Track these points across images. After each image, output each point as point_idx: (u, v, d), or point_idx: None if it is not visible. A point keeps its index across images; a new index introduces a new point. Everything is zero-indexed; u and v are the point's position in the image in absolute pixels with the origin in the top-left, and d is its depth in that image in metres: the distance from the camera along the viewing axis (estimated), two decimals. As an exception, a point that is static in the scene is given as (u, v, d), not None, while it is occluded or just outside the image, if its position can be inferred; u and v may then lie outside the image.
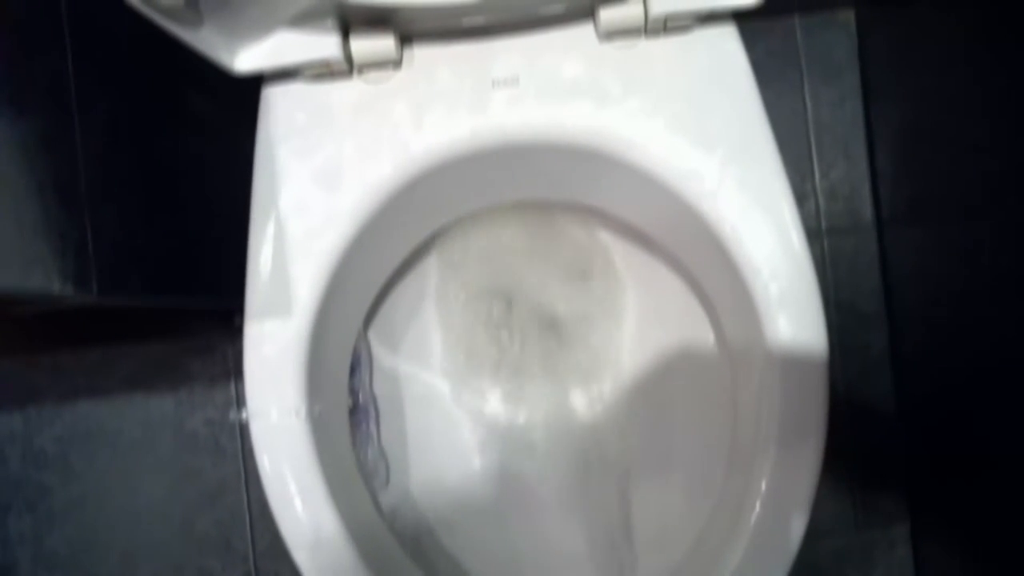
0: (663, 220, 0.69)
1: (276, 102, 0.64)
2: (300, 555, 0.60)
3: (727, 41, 0.64)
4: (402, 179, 0.63)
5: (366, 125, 0.63)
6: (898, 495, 1.07)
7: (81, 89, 0.59)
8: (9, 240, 0.50)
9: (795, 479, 0.59)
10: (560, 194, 0.74)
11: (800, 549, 0.59)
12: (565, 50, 0.63)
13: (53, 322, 0.79)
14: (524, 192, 0.75)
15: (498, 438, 0.82)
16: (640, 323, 0.81)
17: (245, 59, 0.61)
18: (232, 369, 1.07)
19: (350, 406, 0.73)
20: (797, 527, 0.59)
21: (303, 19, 0.59)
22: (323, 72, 0.63)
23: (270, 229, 0.63)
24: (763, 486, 0.59)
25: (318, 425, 0.62)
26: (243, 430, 1.06)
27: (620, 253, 0.81)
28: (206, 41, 0.57)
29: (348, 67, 0.63)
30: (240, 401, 1.05)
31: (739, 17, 0.64)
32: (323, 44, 0.60)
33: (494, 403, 0.82)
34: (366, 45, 0.61)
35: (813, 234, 1.07)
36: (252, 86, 0.65)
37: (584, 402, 0.82)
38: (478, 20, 0.62)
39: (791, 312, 0.60)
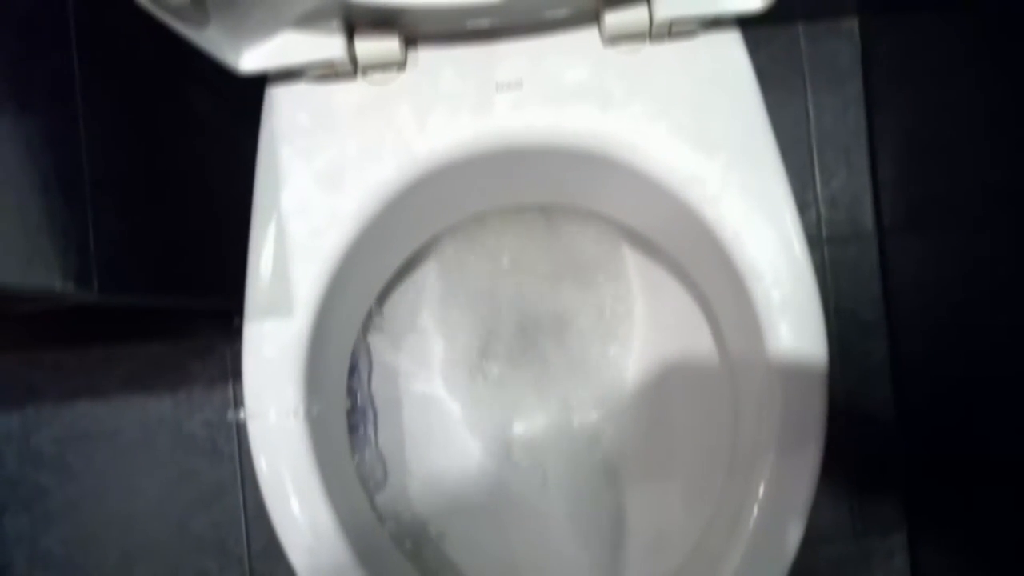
0: (665, 225, 0.69)
1: (280, 102, 0.64)
2: (296, 556, 0.60)
3: (731, 47, 0.64)
4: (405, 181, 0.63)
5: (369, 126, 0.63)
6: (896, 503, 1.07)
7: (86, 87, 0.59)
8: (11, 236, 0.50)
9: (793, 485, 0.59)
10: (562, 198, 0.74)
11: (798, 556, 0.59)
12: (569, 54, 0.63)
13: (53, 321, 0.79)
14: (526, 195, 0.75)
15: (496, 441, 0.82)
16: (641, 328, 0.81)
17: (250, 59, 0.61)
18: (231, 371, 1.07)
19: (348, 408, 0.72)
20: (795, 533, 0.58)
21: (308, 20, 0.59)
22: (327, 73, 0.63)
23: (271, 229, 0.63)
24: (761, 492, 0.59)
25: (316, 426, 0.62)
26: (240, 432, 1.06)
27: (622, 257, 0.81)
28: (211, 40, 0.57)
29: (352, 68, 0.63)
30: (238, 402, 1.05)
31: (743, 23, 0.64)
32: (328, 45, 0.60)
33: (493, 406, 0.82)
34: (371, 46, 0.61)
35: (814, 242, 1.07)
36: (256, 86, 0.65)
37: (583, 406, 0.82)
38: (483, 23, 0.62)
39: (792, 319, 0.59)
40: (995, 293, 0.81)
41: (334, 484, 0.62)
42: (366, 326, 0.77)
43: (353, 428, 0.74)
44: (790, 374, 0.59)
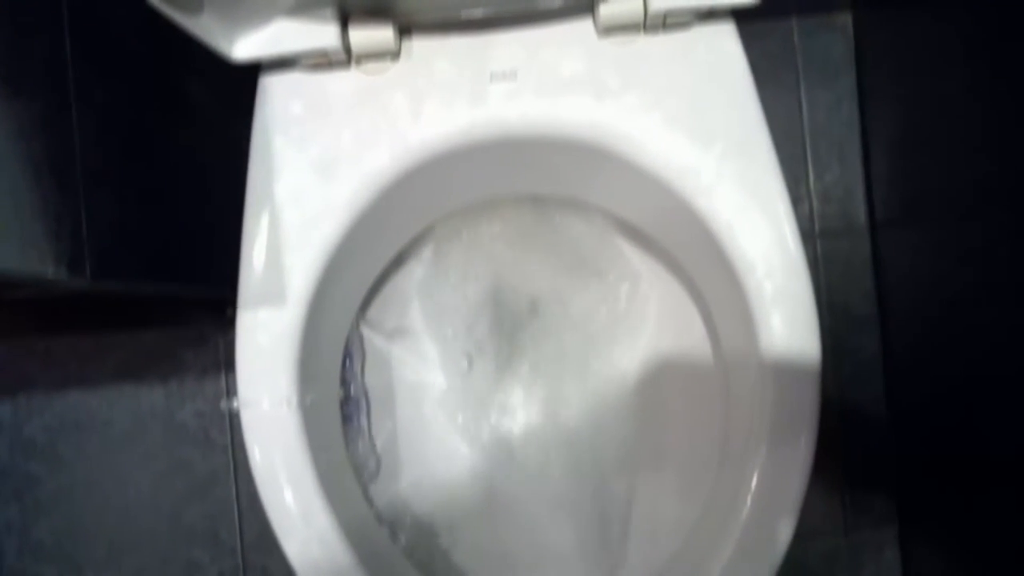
0: (659, 216, 0.69)
1: (273, 91, 0.64)
2: (289, 545, 0.60)
3: (726, 39, 0.64)
4: (399, 170, 0.63)
5: (363, 116, 0.63)
6: (887, 497, 1.08)
7: (79, 72, 0.58)
8: (3, 222, 0.50)
9: (786, 477, 0.59)
10: (556, 189, 0.74)
11: (789, 549, 0.59)
12: (564, 45, 0.63)
13: (45, 309, 0.79)
14: (521, 186, 0.75)
15: (490, 433, 0.82)
16: (635, 320, 0.81)
17: (243, 47, 0.61)
18: (224, 361, 1.07)
19: (342, 398, 0.72)
20: (787, 525, 0.59)
21: (302, 8, 0.59)
22: (321, 62, 0.63)
23: (265, 218, 0.63)
24: (753, 484, 0.59)
25: (309, 415, 0.62)
26: (234, 421, 1.06)
27: (615, 249, 0.81)
28: (205, 28, 0.57)
29: (346, 57, 0.63)
30: (231, 391, 1.05)
31: (738, 16, 0.64)
32: (322, 33, 0.60)
33: (486, 398, 0.82)
34: (365, 35, 0.61)
35: (807, 236, 1.07)
36: (250, 75, 0.65)
37: (576, 399, 0.82)
38: (477, 13, 0.62)
39: (785, 310, 0.60)
40: (987, 288, 0.81)
41: (327, 474, 0.62)
42: (360, 316, 0.77)
43: (347, 418, 0.74)
44: (782, 366, 0.59)
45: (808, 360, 0.59)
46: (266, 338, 0.61)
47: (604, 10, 0.61)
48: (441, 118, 0.63)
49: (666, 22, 0.62)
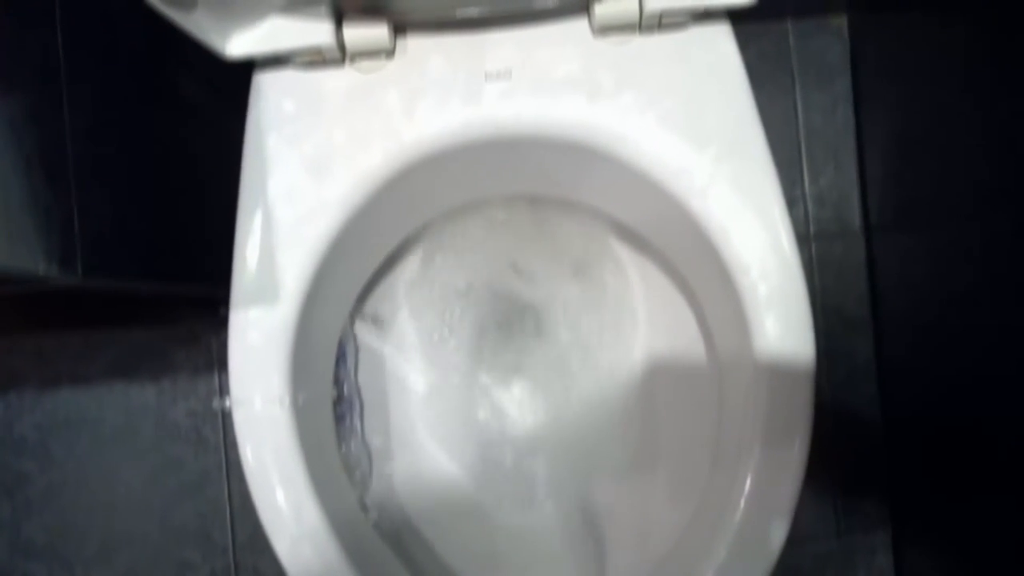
0: (653, 217, 0.69)
1: (267, 88, 0.64)
2: (280, 544, 0.60)
3: (721, 40, 0.64)
4: (392, 169, 0.62)
5: (357, 114, 0.63)
6: (880, 501, 1.08)
7: (71, 66, 0.58)
8: (-7, 217, 0.50)
9: (779, 480, 0.59)
10: (551, 189, 0.74)
11: (782, 552, 0.59)
12: (559, 44, 0.63)
13: (35, 305, 0.78)
14: (515, 186, 0.75)
15: (482, 435, 0.82)
16: (628, 321, 0.81)
17: (237, 44, 0.61)
18: (216, 360, 1.06)
19: (335, 397, 0.72)
20: (780, 528, 0.58)
21: (297, 5, 0.59)
22: (315, 59, 0.63)
23: (258, 216, 0.62)
24: (747, 486, 0.59)
25: (302, 415, 0.62)
26: (226, 421, 1.05)
27: (610, 250, 0.81)
28: (199, 24, 0.57)
29: (341, 55, 0.62)
30: (224, 390, 1.04)
31: (733, 18, 0.64)
32: (316, 31, 0.60)
33: (479, 398, 0.82)
34: (359, 33, 0.61)
35: (801, 239, 1.07)
36: (243, 72, 0.64)
37: (569, 400, 0.82)
38: (472, 12, 0.62)
39: (779, 312, 0.59)
40: (981, 292, 0.81)
41: (320, 474, 0.62)
42: (354, 316, 0.77)
43: (339, 418, 0.73)
44: (776, 368, 0.59)
45: (802, 363, 0.59)
46: (259, 337, 0.61)
47: (599, 10, 0.61)
48: (435, 117, 0.63)
49: (662, 22, 0.62)
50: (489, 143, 0.64)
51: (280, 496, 0.60)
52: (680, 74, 0.63)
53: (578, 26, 0.63)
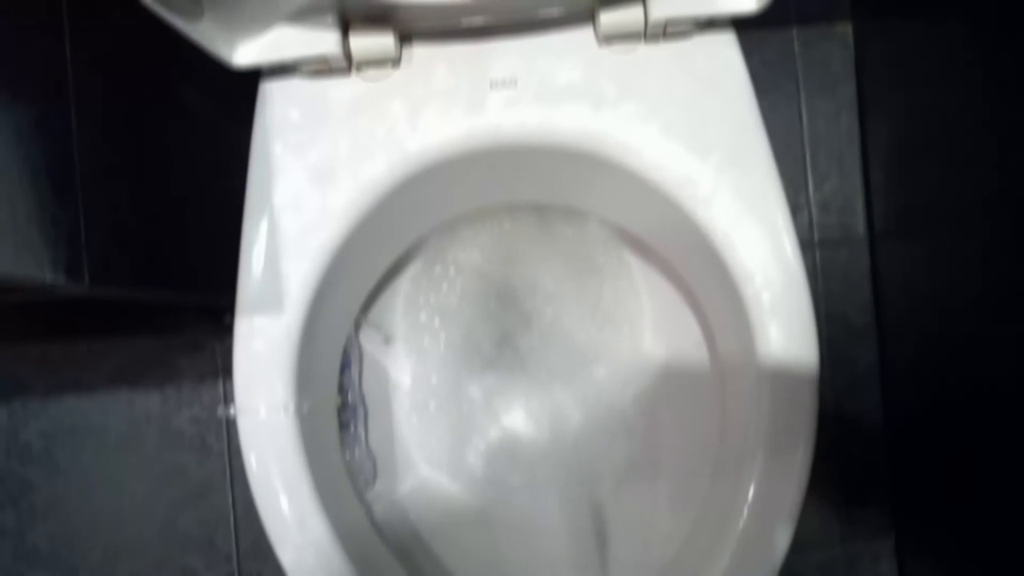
0: (657, 225, 0.69)
1: (273, 97, 0.64)
2: (284, 553, 0.60)
3: (726, 49, 0.64)
4: (397, 177, 0.63)
5: (363, 122, 0.63)
6: (883, 508, 1.07)
7: (78, 76, 0.58)
8: (1, 227, 0.50)
9: (783, 486, 0.59)
10: (554, 197, 0.74)
11: (785, 560, 0.59)
12: (564, 53, 0.63)
13: (40, 314, 0.79)
14: (518, 194, 0.75)
15: (485, 442, 0.82)
16: (632, 329, 0.81)
17: (244, 53, 0.61)
18: (220, 367, 1.07)
19: (339, 405, 0.72)
20: (784, 536, 0.58)
21: (303, 15, 0.59)
22: (321, 68, 0.63)
23: (264, 224, 0.63)
24: (750, 494, 0.59)
25: (306, 422, 0.62)
26: (230, 428, 1.05)
27: (614, 258, 0.81)
28: (205, 34, 0.57)
29: (347, 64, 0.63)
30: (228, 398, 1.04)
31: (738, 26, 0.64)
32: (322, 40, 0.60)
33: (483, 406, 0.82)
34: (365, 42, 0.61)
35: (805, 246, 1.07)
36: (250, 81, 0.65)
37: (572, 407, 0.82)
38: (477, 20, 0.62)
39: (783, 321, 0.59)
40: (985, 299, 0.81)
41: (324, 481, 0.62)
42: (358, 323, 0.77)
43: (344, 426, 0.73)
44: (780, 376, 0.59)
45: (806, 370, 0.59)
46: (264, 345, 0.61)
47: (604, 19, 0.61)
48: (440, 125, 0.63)
49: (667, 31, 0.62)
50: (493, 151, 0.64)
51: (284, 504, 0.60)
52: (684, 83, 0.63)
53: (583, 35, 0.63)
